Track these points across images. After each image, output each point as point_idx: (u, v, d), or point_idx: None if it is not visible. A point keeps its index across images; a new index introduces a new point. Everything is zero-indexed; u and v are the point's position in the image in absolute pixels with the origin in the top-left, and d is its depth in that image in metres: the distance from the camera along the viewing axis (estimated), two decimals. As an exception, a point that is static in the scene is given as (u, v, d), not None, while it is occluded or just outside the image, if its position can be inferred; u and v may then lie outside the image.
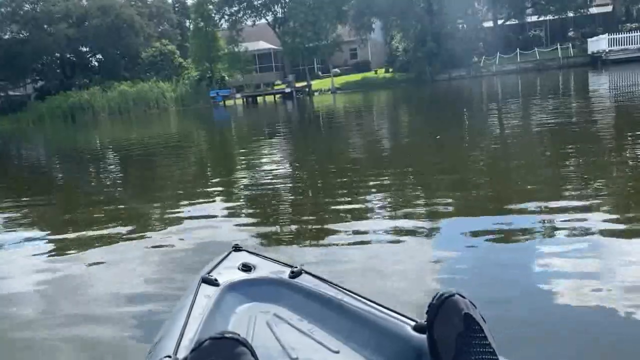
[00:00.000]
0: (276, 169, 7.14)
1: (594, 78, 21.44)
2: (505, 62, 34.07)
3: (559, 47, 33.04)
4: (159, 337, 1.45)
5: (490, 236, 3.37)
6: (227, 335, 1.07)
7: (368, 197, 4.83)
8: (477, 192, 4.66)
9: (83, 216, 5.36)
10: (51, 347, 2.45)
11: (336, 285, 1.61)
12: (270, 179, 6.36)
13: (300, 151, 9.24)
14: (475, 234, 3.42)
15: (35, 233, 4.71)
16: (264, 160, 8.36)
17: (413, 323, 1.34)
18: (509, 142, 7.66)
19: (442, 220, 3.87)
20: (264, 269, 1.78)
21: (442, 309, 1.18)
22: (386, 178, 5.63)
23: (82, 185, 7.79)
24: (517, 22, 40.87)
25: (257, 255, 1.94)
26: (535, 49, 33.91)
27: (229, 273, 1.75)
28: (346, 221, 4.07)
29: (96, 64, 51.54)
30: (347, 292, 1.56)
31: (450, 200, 4.37)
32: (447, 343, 1.15)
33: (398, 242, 3.45)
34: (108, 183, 7.80)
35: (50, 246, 4.15)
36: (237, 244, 2.00)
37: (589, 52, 31.47)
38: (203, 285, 1.64)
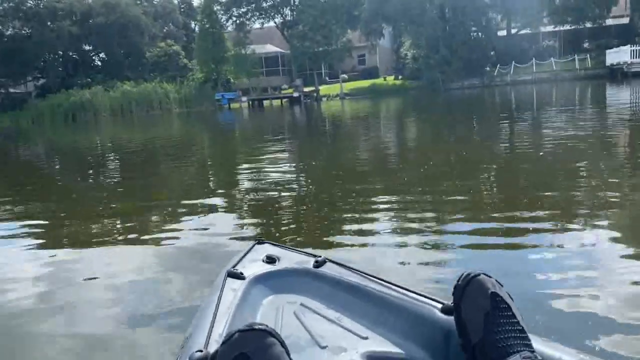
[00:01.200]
0: (284, 176, 6.67)
1: (614, 90, 20.40)
2: (520, 72, 33.11)
3: (576, 58, 32.08)
4: (188, 332, 1.43)
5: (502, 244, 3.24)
6: (255, 327, 1.07)
7: (383, 215, 4.29)
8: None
9: (105, 215, 5.13)
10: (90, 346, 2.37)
11: (361, 272, 1.60)
12: (282, 183, 6.06)
13: (313, 160, 8.40)
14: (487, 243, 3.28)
15: (32, 239, 4.40)
16: (273, 166, 7.73)
17: (440, 305, 1.32)
18: (536, 158, 6.70)
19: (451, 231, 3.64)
20: (288, 260, 1.77)
21: (467, 289, 1.17)
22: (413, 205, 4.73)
23: (77, 187, 7.40)
24: (530, 31, 40.10)
25: (281, 247, 1.93)
26: (552, 59, 32.94)
27: (253, 266, 1.74)
28: (361, 218, 4.02)
29: (99, 63, 50.60)
30: (373, 278, 1.56)
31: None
32: (475, 323, 1.13)
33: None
34: (109, 185, 7.39)
35: (52, 252, 3.88)
36: (260, 237, 2.07)
37: (607, 63, 30.49)
38: (229, 279, 1.62)
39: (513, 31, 39.72)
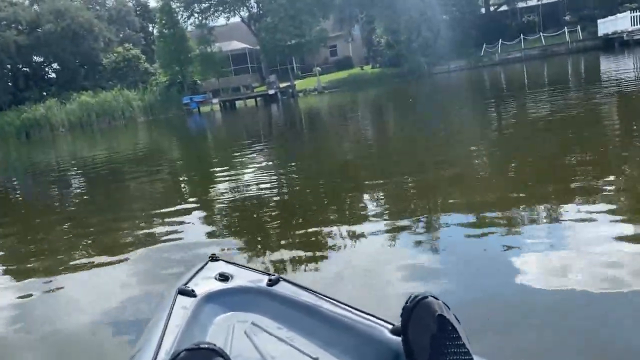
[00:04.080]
0: (248, 189, 5.96)
1: (616, 63, 18.25)
2: (509, 49, 31.12)
3: (565, 30, 30.21)
4: (136, 350, 1.42)
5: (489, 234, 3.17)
6: (202, 345, 1.06)
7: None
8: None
9: (49, 240, 4.89)
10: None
11: (314, 291, 1.59)
12: (244, 197, 5.61)
13: (286, 168, 7.34)
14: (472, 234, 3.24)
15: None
16: (239, 178, 6.86)
17: (390, 326, 1.34)
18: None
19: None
20: (242, 278, 1.74)
21: (415, 311, 1.17)
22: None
23: (37, 209, 6.99)
24: (507, 8, 38.31)
25: (235, 264, 1.88)
26: (541, 34, 31.06)
27: (206, 283, 1.70)
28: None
29: (53, 75, 46.83)
30: (326, 298, 1.54)
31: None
32: (422, 345, 1.14)
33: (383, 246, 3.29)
34: (67, 205, 6.96)
35: (14, 274, 3.85)
36: (214, 254, 1.94)
37: (600, 34, 28.71)
38: (179, 296, 1.59)
39: (491, 9, 37.88)
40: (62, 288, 3.38)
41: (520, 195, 4.00)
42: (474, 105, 11.86)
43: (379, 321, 1.37)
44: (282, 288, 1.64)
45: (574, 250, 2.73)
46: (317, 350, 1.38)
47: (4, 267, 4.12)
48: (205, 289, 1.65)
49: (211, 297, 1.62)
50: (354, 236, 3.58)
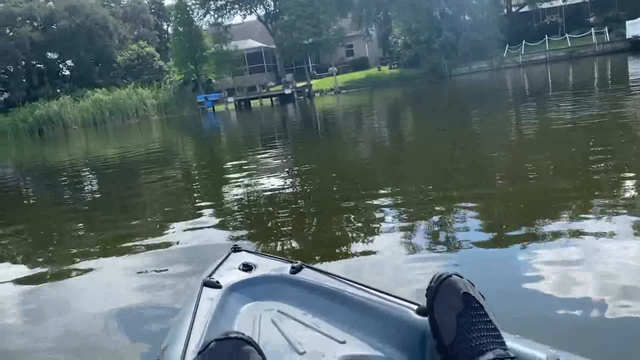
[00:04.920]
0: (265, 185, 5.84)
1: None
2: (533, 51, 30.21)
3: (592, 32, 29.24)
4: (165, 344, 1.43)
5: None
6: (231, 335, 1.07)
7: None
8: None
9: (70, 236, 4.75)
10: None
11: (338, 276, 1.59)
12: (261, 190, 5.46)
13: (304, 167, 6.99)
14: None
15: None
16: (256, 177, 6.57)
17: (415, 307, 1.33)
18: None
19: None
20: (265, 267, 1.75)
21: (440, 290, 1.16)
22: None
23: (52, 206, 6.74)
24: (529, 9, 37.35)
25: (257, 254, 1.91)
26: (567, 35, 30.08)
27: (230, 274, 1.72)
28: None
29: (67, 72, 46.54)
30: (349, 282, 1.54)
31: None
32: (448, 323, 1.13)
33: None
34: (86, 203, 6.72)
35: (30, 271, 3.67)
36: (236, 245, 1.96)
37: (629, 36, 27.73)
38: (205, 288, 1.60)
39: (513, 10, 36.93)
40: (83, 281, 3.31)
41: (548, 203, 3.64)
42: (503, 110, 11.07)
43: (404, 302, 1.36)
44: (305, 275, 1.64)
45: (602, 267, 2.46)
46: (344, 334, 1.39)
47: (18, 263, 4.00)
48: (229, 279, 1.66)
49: (236, 288, 1.63)
50: (371, 235, 3.44)
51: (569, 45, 29.59)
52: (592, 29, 29.61)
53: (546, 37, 30.17)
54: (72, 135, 29.11)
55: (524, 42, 30.36)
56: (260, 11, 38.84)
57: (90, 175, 9.65)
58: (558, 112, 8.76)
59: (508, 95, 15.03)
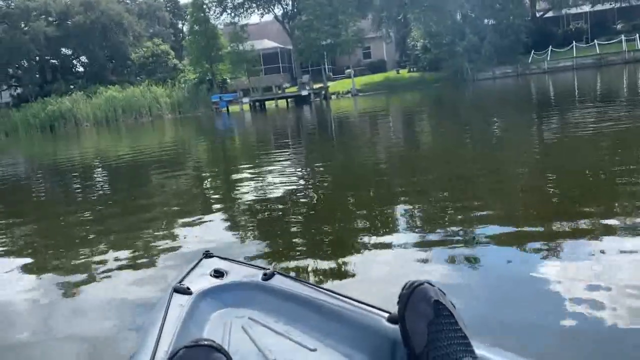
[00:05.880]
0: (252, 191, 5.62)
1: None
2: (559, 57, 29.21)
3: (623, 39, 28.19)
4: (133, 351, 1.41)
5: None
6: (201, 342, 1.06)
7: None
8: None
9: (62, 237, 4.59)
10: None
11: (310, 284, 1.60)
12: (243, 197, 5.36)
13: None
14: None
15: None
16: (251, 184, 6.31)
17: (387, 315, 1.33)
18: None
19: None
20: (237, 273, 1.74)
21: (411, 298, 1.16)
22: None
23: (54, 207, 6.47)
24: (554, 15, 36.33)
25: (229, 260, 1.88)
26: (595, 41, 29.06)
27: (201, 280, 1.70)
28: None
29: (81, 68, 46.14)
30: (322, 290, 1.54)
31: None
32: (419, 331, 1.13)
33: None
34: (93, 202, 6.39)
35: (23, 272, 3.60)
36: (207, 251, 1.93)
37: (662, 43, 26.72)
38: (175, 294, 1.58)
39: (537, 15, 35.91)
40: (79, 285, 3.18)
41: (566, 217, 3.35)
42: (533, 118, 10.14)
43: (375, 310, 1.35)
44: (278, 282, 1.62)
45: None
46: (315, 342, 1.37)
47: (21, 262, 3.86)
48: (200, 286, 1.64)
49: (207, 294, 1.61)
50: (374, 241, 3.32)
51: (598, 52, 28.56)
52: (623, 35, 28.56)
53: (574, 44, 29.16)
54: (84, 132, 28.51)
55: (550, 47, 29.37)
56: (278, 10, 38.11)
57: (100, 174, 8.94)
58: (596, 122, 7.85)
59: (537, 102, 14.09)
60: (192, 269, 1.79)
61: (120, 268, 3.33)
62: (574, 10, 35.00)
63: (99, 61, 42.69)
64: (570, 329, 1.96)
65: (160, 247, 3.69)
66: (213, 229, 4.08)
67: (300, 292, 1.54)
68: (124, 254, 3.64)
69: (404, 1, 32.00)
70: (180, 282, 1.66)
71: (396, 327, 1.21)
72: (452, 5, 30.33)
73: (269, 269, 1.69)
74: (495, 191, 4.43)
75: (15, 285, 3.34)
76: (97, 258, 3.61)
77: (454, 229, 3.32)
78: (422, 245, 3.09)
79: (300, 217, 4.27)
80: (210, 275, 1.72)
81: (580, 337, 1.92)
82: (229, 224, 4.30)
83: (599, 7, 33.53)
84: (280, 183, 5.86)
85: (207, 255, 1.90)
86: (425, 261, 2.84)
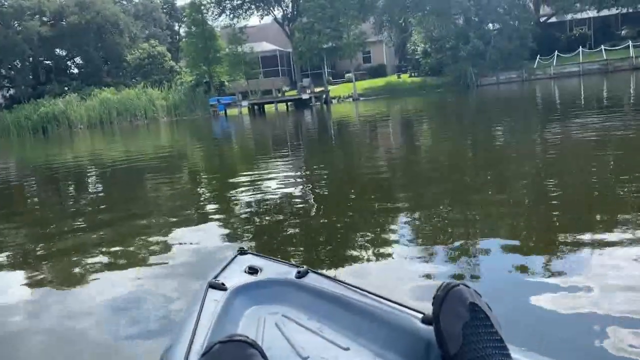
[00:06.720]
0: (275, 190, 5.56)
1: None
2: (565, 62, 28.64)
3: (630, 44, 27.67)
4: (169, 345, 1.42)
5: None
6: (235, 338, 1.07)
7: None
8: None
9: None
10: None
11: (343, 282, 1.59)
12: (271, 197, 5.18)
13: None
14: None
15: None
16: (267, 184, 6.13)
17: (421, 315, 1.31)
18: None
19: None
20: (271, 270, 1.75)
21: (446, 300, 1.15)
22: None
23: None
24: (556, 20, 35.82)
25: (263, 257, 1.89)
26: (602, 47, 28.53)
27: (235, 277, 1.72)
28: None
29: (76, 70, 45.23)
30: (355, 288, 1.53)
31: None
32: (454, 333, 1.12)
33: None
34: (91, 205, 6.21)
35: (34, 271, 3.55)
36: (242, 248, 1.95)
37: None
38: (210, 290, 1.61)
39: (541, 20, 35.39)
40: (92, 281, 3.14)
41: (572, 230, 3.22)
42: (541, 128, 9.44)
43: (409, 310, 1.34)
44: (311, 280, 1.62)
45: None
46: (348, 340, 1.37)
47: (20, 264, 3.82)
48: (235, 282, 1.66)
49: (241, 290, 1.62)
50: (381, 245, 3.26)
51: (604, 57, 28.02)
52: (630, 41, 28.03)
53: (580, 49, 28.61)
54: (78, 135, 27.65)
55: (556, 52, 28.80)
56: (278, 12, 37.41)
57: (95, 178, 8.22)
58: (609, 130, 7.14)
59: (544, 109, 13.39)
60: (227, 265, 1.80)
61: (111, 269, 3.34)
62: (577, 16, 34.53)
63: (93, 62, 41.85)
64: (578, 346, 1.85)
65: (183, 249, 3.62)
66: (209, 234, 4.01)
67: (334, 291, 1.53)
68: (120, 261, 3.58)
69: (406, 4, 31.28)
70: (215, 277, 1.68)
71: (430, 328, 1.19)
72: (455, 9, 29.70)
73: (302, 266, 1.69)
74: (501, 202, 4.22)
75: (7, 291, 3.29)
76: (87, 261, 3.59)
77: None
78: (456, 250, 3.00)
79: (309, 222, 4.14)
80: (245, 271, 1.74)
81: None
82: (229, 230, 4.16)
83: (603, 12, 33.04)
84: (315, 194, 5.24)
85: (242, 252, 1.91)
86: (458, 262, 2.79)
